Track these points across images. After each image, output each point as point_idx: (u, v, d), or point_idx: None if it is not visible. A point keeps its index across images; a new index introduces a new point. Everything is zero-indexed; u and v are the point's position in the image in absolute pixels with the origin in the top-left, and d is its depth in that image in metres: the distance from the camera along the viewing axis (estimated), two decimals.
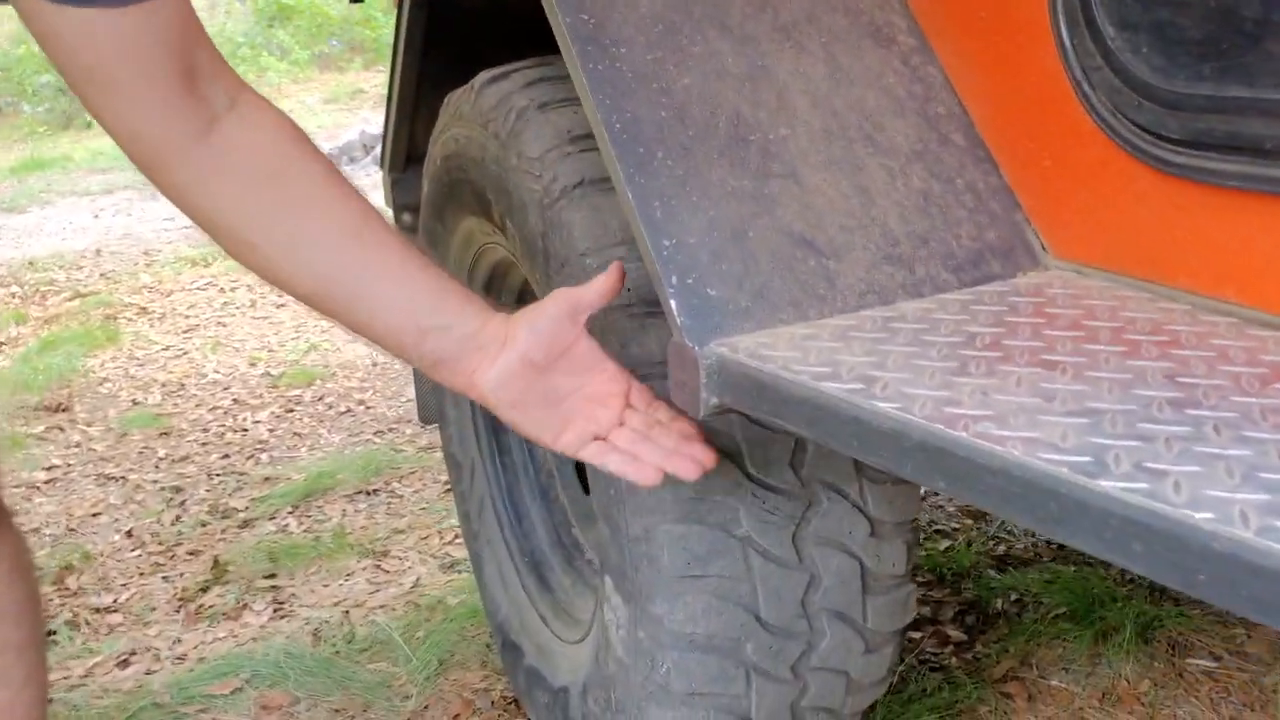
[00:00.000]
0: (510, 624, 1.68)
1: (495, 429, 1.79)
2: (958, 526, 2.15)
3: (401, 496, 2.57)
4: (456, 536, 2.32)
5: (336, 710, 1.73)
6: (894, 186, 1.07)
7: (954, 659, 1.75)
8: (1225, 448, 0.68)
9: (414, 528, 2.39)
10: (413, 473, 2.70)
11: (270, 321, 4.22)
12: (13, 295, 4.96)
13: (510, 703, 1.73)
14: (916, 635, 1.79)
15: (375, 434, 3.02)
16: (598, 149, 1.19)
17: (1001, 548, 2.06)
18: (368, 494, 2.59)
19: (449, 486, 2.59)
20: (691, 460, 0.97)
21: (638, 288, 1.13)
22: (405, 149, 1.93)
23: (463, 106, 1.42)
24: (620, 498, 1.14)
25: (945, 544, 2.08)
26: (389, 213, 2.08)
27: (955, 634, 1.81)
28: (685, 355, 0.94)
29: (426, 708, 1.72)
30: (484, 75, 1.40)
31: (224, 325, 4.22)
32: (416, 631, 1.93)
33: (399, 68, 1.80)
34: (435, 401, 1.97)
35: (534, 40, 1.55)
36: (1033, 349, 0.86)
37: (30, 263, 5.38)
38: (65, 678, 1.87)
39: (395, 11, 1.77)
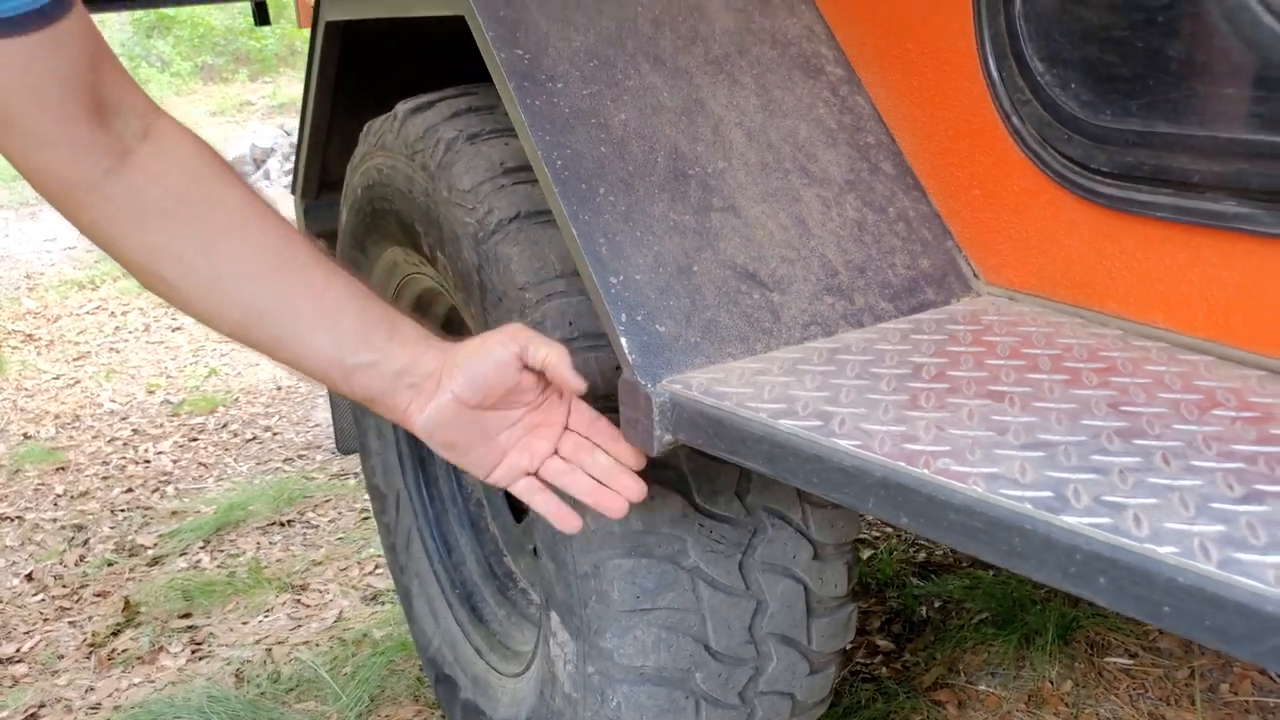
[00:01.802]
0: (443, 657, 1.65)
1: (421, 459, 1.77)
2: (879, 535, 2.18)
3: (317, 527, 2.51)
4: (377, 567, 2.28)
5: None
6: (829, 217, 1.09)
7: (884, 669, 1.78)
8: (1176, 478, 0.71)
9: (332, 559, 2.34)
10: (326, 501, 2.64)
11: (167, 346, 4.09)
12: None
13: None
14: (848, 646, 1.82)
15: (284, 461, 2.95)
16: (533, 181, 1.19)
17: (922, 555, 2.10)
18: (282, 525, 2.52)
19: (366, 515, 2.55)
20: (616, 498, 0.96)
21: (579, 321, 1.13)
22: (319, 175, 1.89)
23: (385, 136, 1.40)
24: (574, 550, 1.13)
25: (868, 553, 2.12)
26: None
27: (884, 644, 1.85)
28: (637, 393, 0.94)
29: None
30: (407, 104, 1.38)
31: (117, 351, 4.07)
32: (344, 667, 1.88)
33: (312, 92, 1.76)
34: (354, 431, 1.93)
35: (450, 67, 1.53)
36: (978, 380, 0.88)
37: None
38: None
39: (309, 33, 1.74)
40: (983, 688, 1.73)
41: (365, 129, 1.49)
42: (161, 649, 2.02)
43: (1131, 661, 1.75)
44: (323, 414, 3.28)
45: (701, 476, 1.12)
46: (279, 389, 3.53)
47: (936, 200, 1.14)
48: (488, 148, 1.24)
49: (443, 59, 1.62)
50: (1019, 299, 1.07)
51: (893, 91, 1.17)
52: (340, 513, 2.57)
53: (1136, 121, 0.90)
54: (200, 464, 2.96)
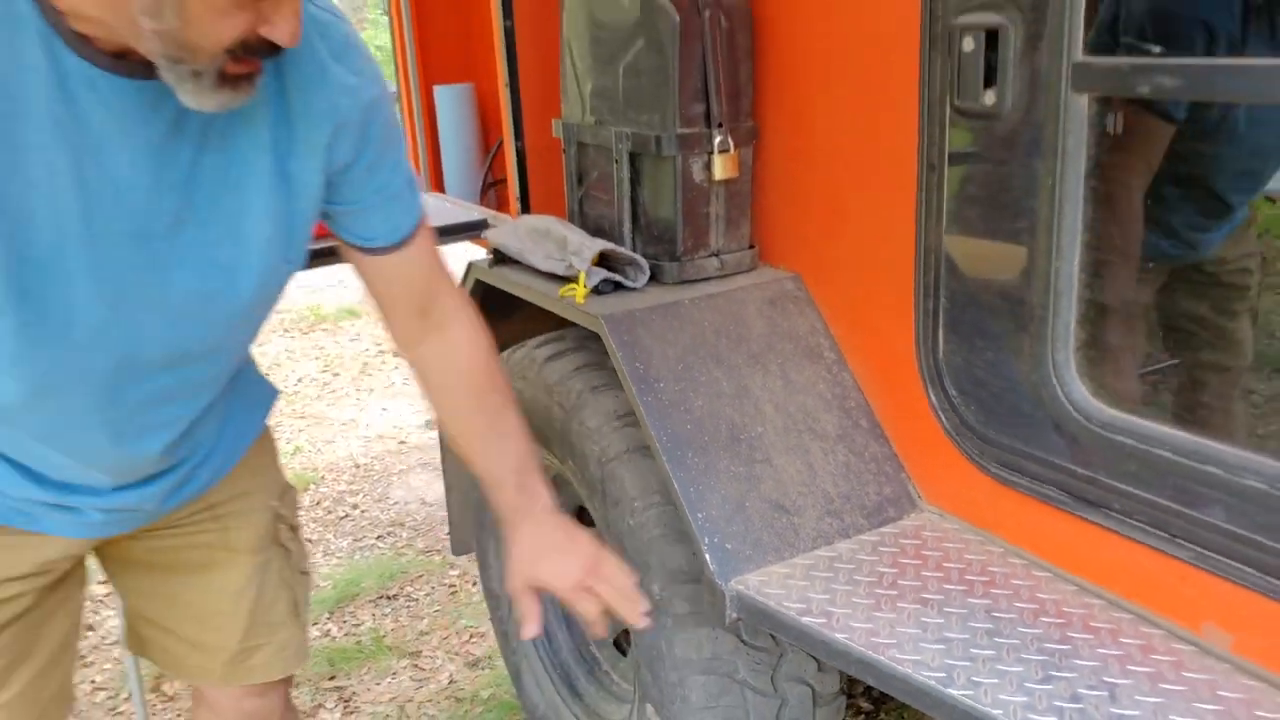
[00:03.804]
0: (549, 718, 2.30)
1: None
2: None
3: (416, 600, 3.15)
4: (473, 636, 2.92)
5: None
6: (828, 461, 1.74)
7: None
8: (1011, 666, 1.36)
9: (435, 628, 2.98)
10: (420, 576, 3.28)
11: None
12: None
13: None
14: None
15: (376, 538, 3.58)
16: (635, 425, 1.83)
17: None
18: (389, 598, 3.16)
19: (454, 589, 3.20)
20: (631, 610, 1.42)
21: (667, 524, 1.77)
22: None
23: (526, 370, 2.04)
24: (662, 656, 1.78)
25: None
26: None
27: (865, 705, 2.50)
28: (715, 588, 1.59)
29: None
30: (543, 350, 2.03)
31: None
32: (466, 718, 2.53)
33: None
34: (470, 541, 2.57)
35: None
36: (914, 588, 1.53)
37: None
38: None
39: None
40: None
41: (505, 357, 2.14)
42: (320, 705, 2.66)
43: None
44: (399, 492, 3.93)
45: (748, 625, 1.77)
46: (357, 466, 4.17)
47: (896, 446, 1.79)
48: (606, 398, 1.88)
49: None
50: (946, 518, 1.72)
51: (866, 372, 1.82)
52: (434, 587, 3.21)
53: (1005, 437, 1.55)
54: (307, 540, 3.59)
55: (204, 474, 1.41)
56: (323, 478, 4.08)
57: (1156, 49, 1.62)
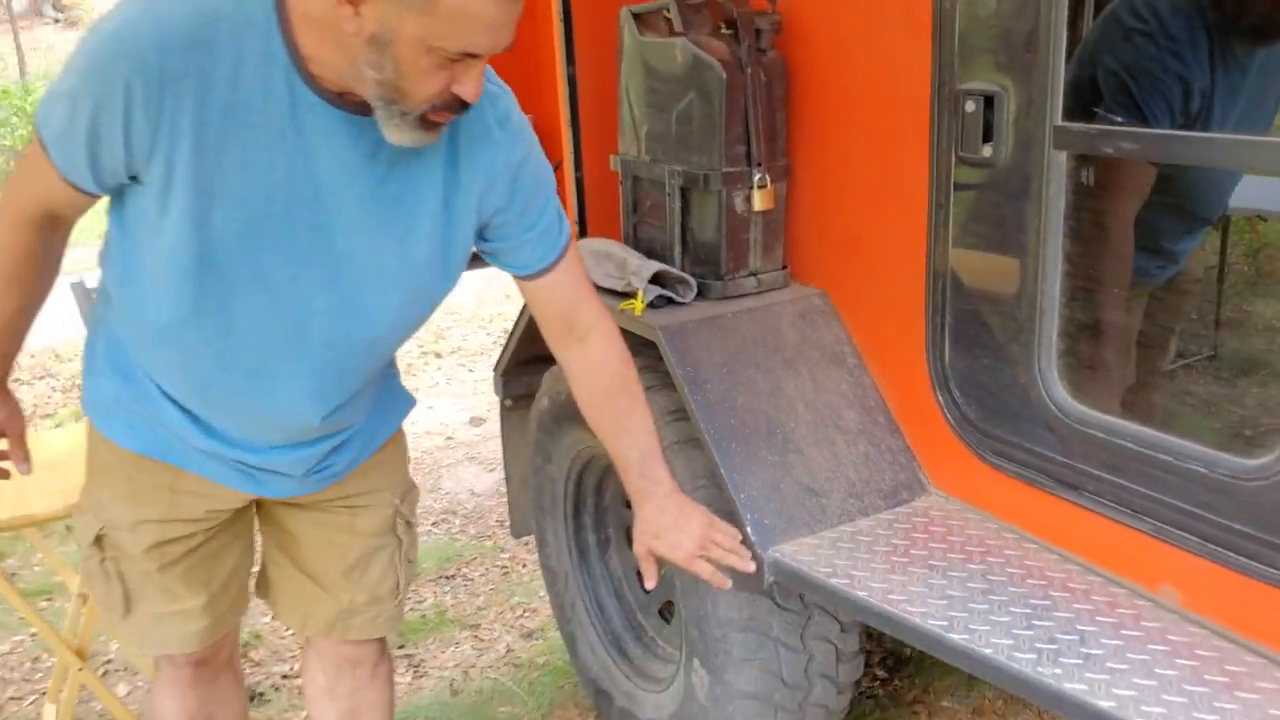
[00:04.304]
0: (602, 679, 2.61)
1: (582, 549, 2.72)
2: None
3: (472, 579, 3.47)
4: (525, 611, 3.23)
5: None
6: (850, 452, 2.05)
7: (880, 690, 2.73)
8: (1000, 618, 1.66)
9: (491, 604, 3.30)
10: (474, 559, 3.60)
11: None
12: (52, 390, 5.67)
13: None
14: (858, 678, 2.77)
15: (432, 525, 3.90)
16: (685, 419, 2.14)
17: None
18: (447, 578, 3.48)
19: (506, 570, 3.51)
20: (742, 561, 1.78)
21: (713, 505, 2.07)
22: (515, 365, 2.84)
23: None
24: (708, 616, 2.08)
25: None
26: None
27: (880, 673, 2.80)
28: (756, 555, 1.89)
29: None
30: None
31: None
32: (523, 684, 2.84)
33: (515, 340, 2.73)
34: (530, 524, 2.89)
35: None
36: (922, 556, 1.84)
37: (33, 355, 5.99)
38: None
39: None
40: (945, 703, 2.69)
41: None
42: (393, 670, 2.97)
43: None
44: (449, 484, 4.25)
45: (781, 589, 2.08)
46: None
47: (908, 439, 2.09)
48: (659, 396, 2.19)
49: None
50: (950, 500, 2.02)
51: (883, 375, 2.13)
52: (488, 568, 3.53)
53: (1000, 430, 1.86)
54: None
55: (345, 455, 1.73)
56: None
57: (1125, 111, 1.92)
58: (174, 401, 1.59)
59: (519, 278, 1.65)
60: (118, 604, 1.74)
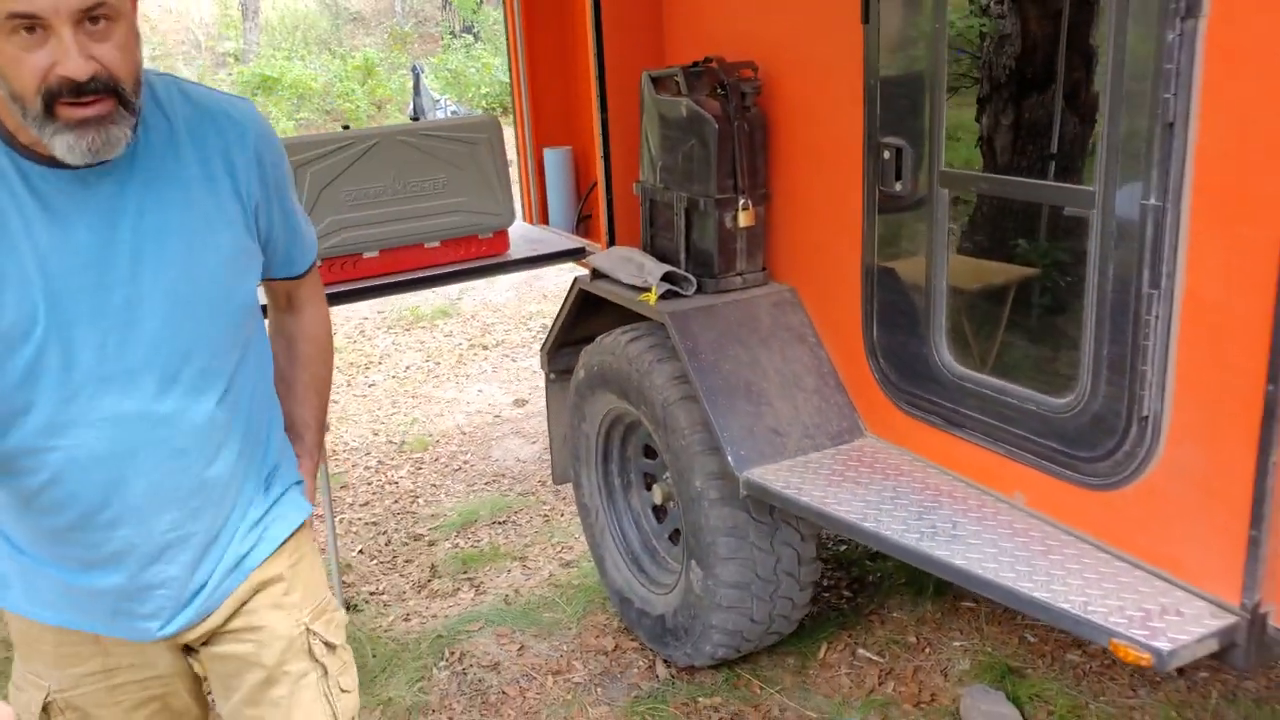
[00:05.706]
0: (624, 589, 3.34)
1: (610, 490, 3.45)
2: (846, 541, 3.85)
3: (519, 525, 4.22)
4: (563, 547, 3.98)
5: (535, 635, 3.39)
6: (808, 404, 2.78)
7: (846, 606, 3.45)
8: (901, 513, 2.38)
9: (535, 543, 4.04)
10: (520, 510, 4.35)
11: (369, 399, 5.82)
12: None
13: (624, 630, 3.40)
14: (827, 595, 3.50)
15: (485, 484, 4.66)
16: (685, 382, 2.88)
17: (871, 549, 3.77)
18: (500, 524, 4.23)
19: (547, 518, 4.26)
20: None
21: (706, 444, 2.80)
22: (560, 344, 3.59)
23: (614, 348, 3.09)
24: (702, 528, 2.81)
25: (844, 547, 3.79)
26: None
27: (847, 594, 3.52)
28: (735, 476, 2.62)
29: (583, 632, 3.38)
30: (626, 334, 3.07)
31: (336, 402, 5.80)
32: (562, 597, 3.59)
33: (559, 325, 3.47)
34: (568, 471, 3.63)
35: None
36: (854, 477, 2.56)
37: None
38: (380, 626, 3.49)
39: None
40: (896, 614, 3.40)
41: (598, 341, 3.19)
42: (458, 589, 3.72)
43: (973, 604, 3.41)
44: (498, 453, 5.01)
45: (756, 503, 2.80)
46: (463, 434, 5.24)
47: (850, 395, 2.82)
48: (667, 365, 2.92)
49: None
50: (879, 441, 2.74)
51: (833, 350, 2.85)
52: (531, 518, 4.27)
53: (911, 386, 2.58)
54: (432, 485, 4.67)
55: (225, 553, 1.55)
56: (438, 441, 5.17)
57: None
58: (18, 547, 1.50)
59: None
60: None
